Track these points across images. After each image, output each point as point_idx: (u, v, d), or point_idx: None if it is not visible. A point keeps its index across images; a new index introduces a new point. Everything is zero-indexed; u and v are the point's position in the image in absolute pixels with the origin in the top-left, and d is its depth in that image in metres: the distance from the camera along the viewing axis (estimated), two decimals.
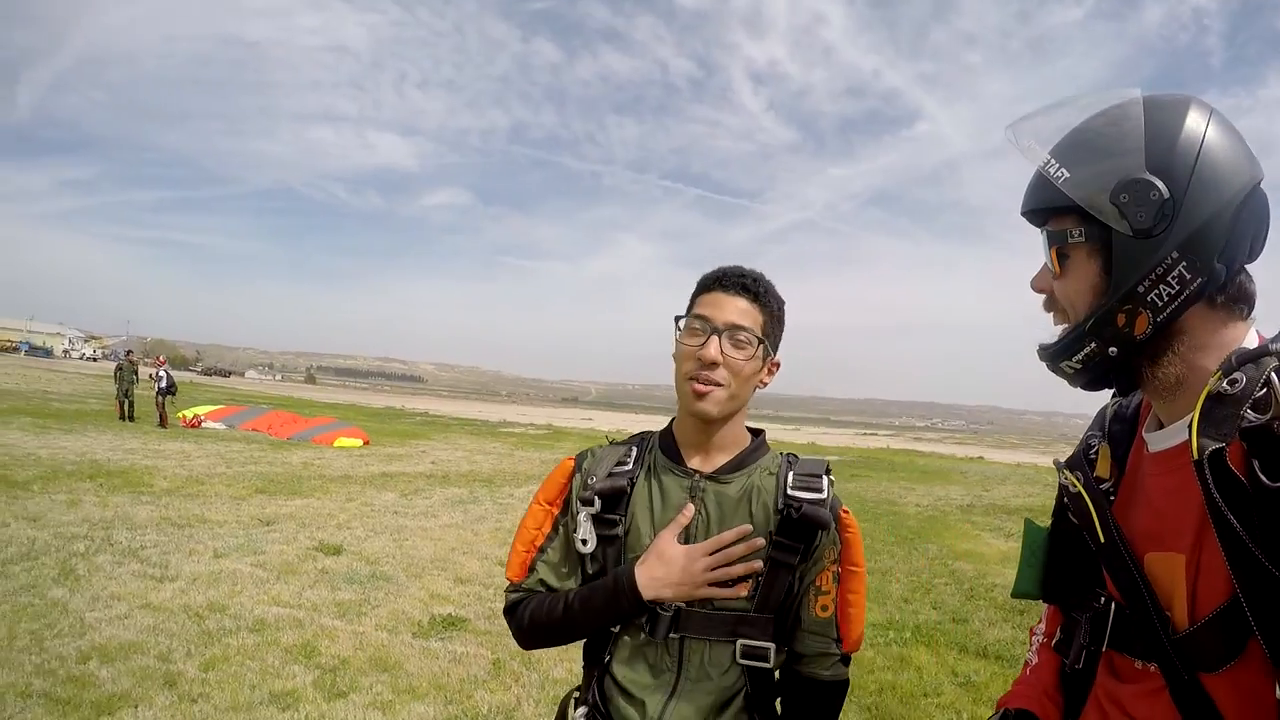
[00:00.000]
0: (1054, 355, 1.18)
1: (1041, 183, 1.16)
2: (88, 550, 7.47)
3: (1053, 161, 1.12)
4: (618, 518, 1.61)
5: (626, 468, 1.65)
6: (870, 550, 10.47)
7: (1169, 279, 1.05)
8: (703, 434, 1.65)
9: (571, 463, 1.71)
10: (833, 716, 1.65)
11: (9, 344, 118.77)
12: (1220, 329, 1.10)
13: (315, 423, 24.94)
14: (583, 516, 1.61)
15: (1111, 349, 1.11)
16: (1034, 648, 1.45)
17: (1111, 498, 1.23)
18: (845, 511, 1.65)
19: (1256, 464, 0.94)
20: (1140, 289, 1.06)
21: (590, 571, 1.65)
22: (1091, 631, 1.23)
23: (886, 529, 12.52)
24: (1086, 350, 1.13)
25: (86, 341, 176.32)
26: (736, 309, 1.60)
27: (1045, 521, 1.40)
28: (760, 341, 1.61)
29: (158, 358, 26.18)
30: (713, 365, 1.56)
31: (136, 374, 24.09)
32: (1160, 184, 1.04)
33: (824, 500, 1.59)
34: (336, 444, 20.96)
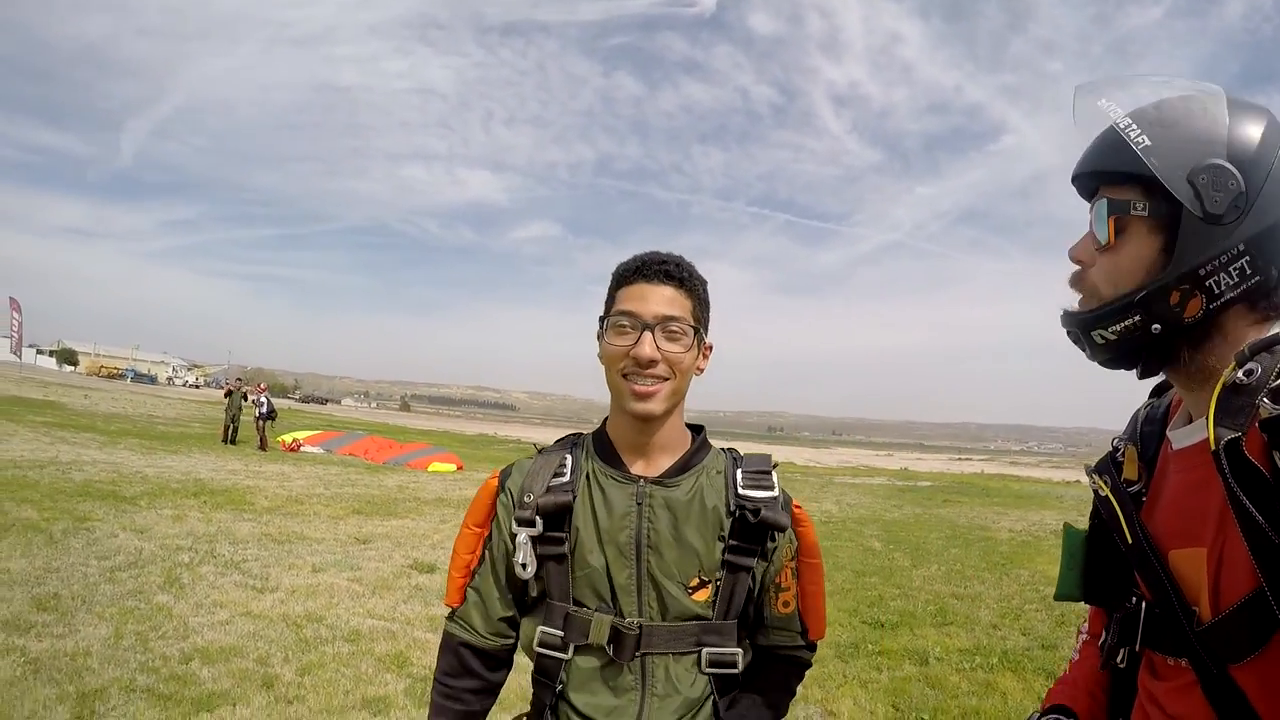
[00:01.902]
0: (1088, 322, 1.14)
1: (1110, 147, 1.12)
2: (192, 561, 7.66)
3: (1133, 126, 1.08)
4: (562, 535, 1.47)
5: (564, 479, 1.50)
6: (960, 576, 10.09)
7: (1231, 269, 1.03)
8: (643, 434, 1.53)
9: (495, 482, 1.57)
10: (789, 691, 1.62)
11: (116, 371, 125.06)
12: (1253, 330, 1.08)
13: (410, 448, 25.44)
14: (522, 538, 1.46)
15: (1155, 325, 1.08)
16: (1078, 645, 1.46)
17: (1143, 499, 1.23)
18: (798, 506, 1.58)
19: (1277, 455, 0.92)
20: (1201, 272, 1.04)
21: (534, 594, 1.53)
22: (1121, 631, 1.22)
23: (978, 555, 12.11)
24: (1128, 322, 1.10)
25: (189, 370, 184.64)
26: (664, 299, 1.48)
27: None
28: (695, 329, 1.50)
29: (259, 385, 27.16)
30: (650, 363, 1.45)
31: (245, 399, 24.97)
32: (1239, 174, 1.03)
33: (776, 499, 1.52)
34: (431, 469, 21.31)
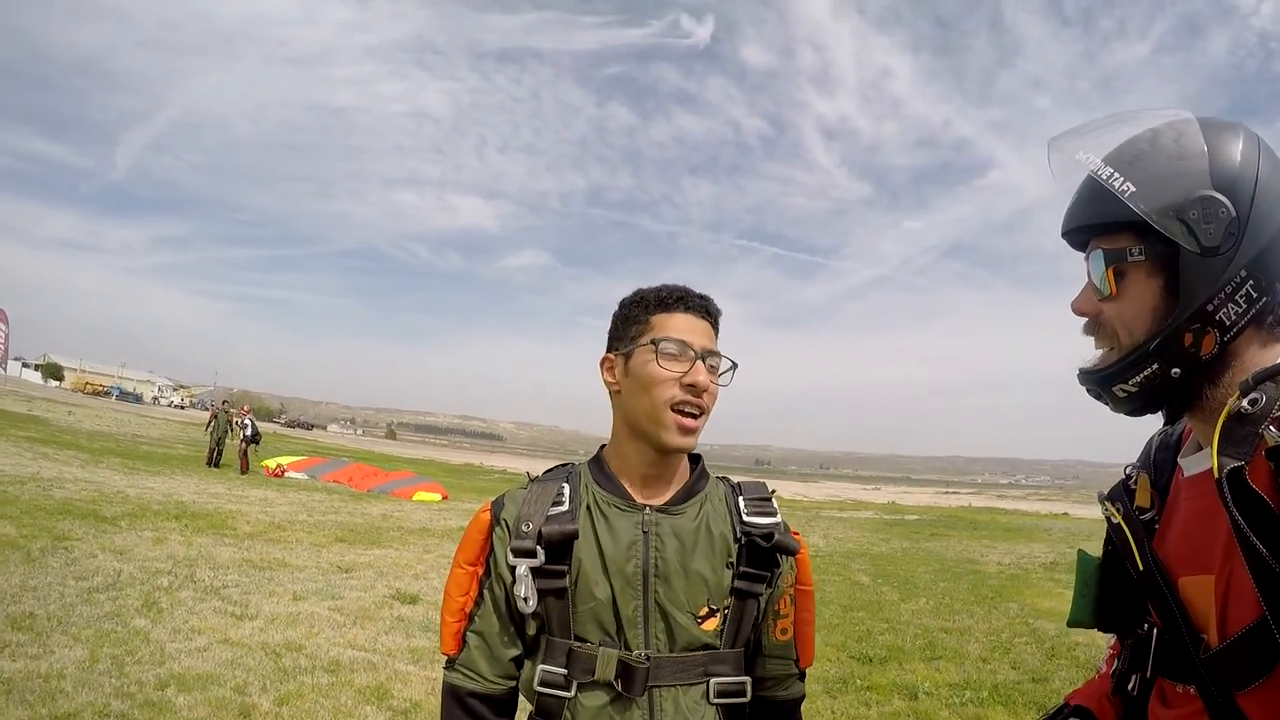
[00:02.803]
0: (1108, 378, 1.13)
1: (1094, 197, 1.12)
2: (171, 585, 7.54)
3: (1115, 175, 1.07)
4: (564, 568, 1.42)
5: (564, 508, 1.45)
6: (949, 610, 10.04)
7: (1238, 298, 1.03)
8: (659, 465, 1.50)
9: (488, 515, 1.50)
10: None
11: (101, 388, 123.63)
12: (1264, 352, 1.08)
13: (395, 476, 25.24)
14: (522, 570, 1.40)
15: (1175, 370, 1.07)
16: (1105, 658, 1.42)
17: (1155, 526, 1.22)
18: (795, 533, 1.56)
19: None
20: (1210, 307, 1.04)
21: (532, 632, 1.47)
22: (1132, 657, 1.22)
23: (966, 588, 12.05)
24: (1148, 372, 1.09)
25: (175, 390, 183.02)
26: (705, 332, 1.50)
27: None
28: (733, 365, 1.52)
29: (242, 407, 27.09)
30: (702, 391, 1.45)
31: (231, 424, 24.82)
32: (1227, 201, 1.02)
33: (780, 524, 1.52)
34: (415, 498, 21.15)
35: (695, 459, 1.60)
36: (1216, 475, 0.97)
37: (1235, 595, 1.02)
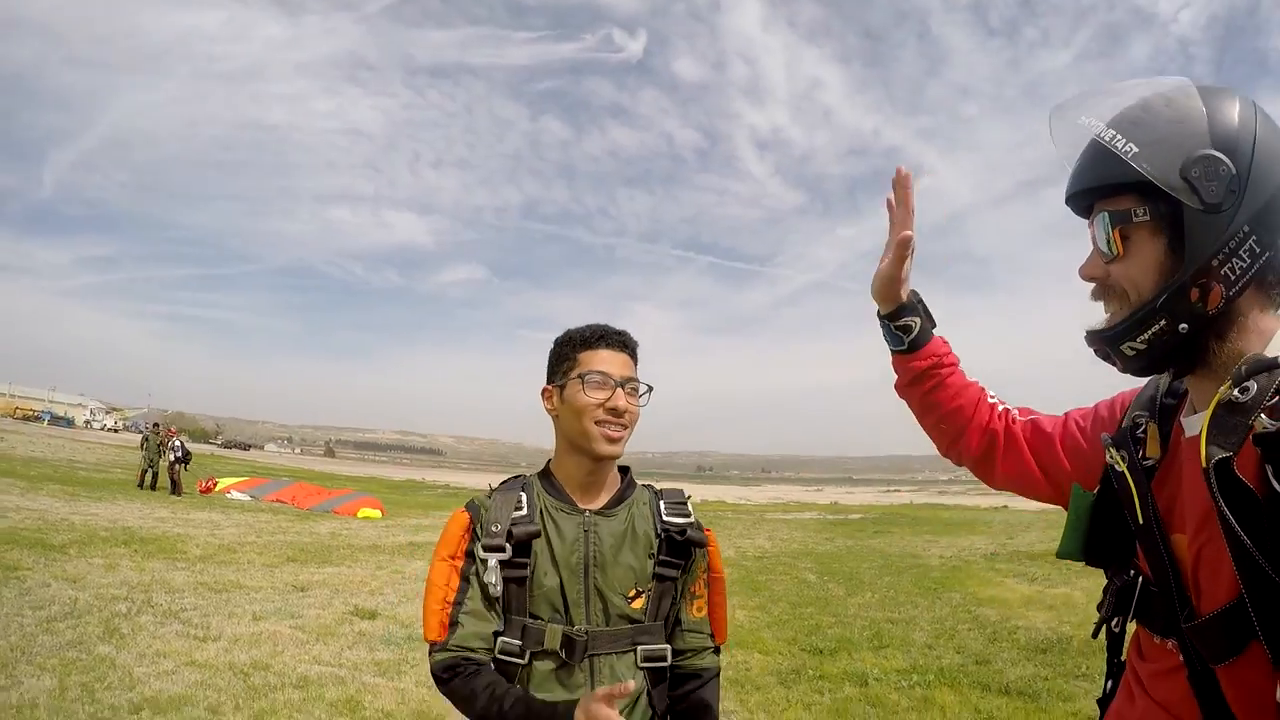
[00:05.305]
0: (1116, 337, 1.17)
1: (1099, 160, 1.16)
2: (129, 611, 7.51)
3: (1117, 135, 1.12)
4: (525, 560, 1.74)
5: (524, 513, 1.77)
6: (894, 602, 10.40)
7: (1241, 252, 1.07)
8: (594, 474, 1.84)
9: (466, 516, 1.80)
10: (716, 698, 1.89)
11: (32, 413, 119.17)
12: (1264, 314, 1.12)
13: (336, 494, 25.09)
14: (492, 563, 1.70)
15: (1182, 325, 1.10)
16: None
17: (1154, 474, 1.23)
18: (707, 530, 1.91)
19: (1270, 470, 0.95)
20: (1215, 263, 1.07)
21: (498, 611, 1.77)
22: (1116, 603, 1.26)
23: (910, 581, 12.42)
24: (1155, 328, 1.12)
25: (108, 413, 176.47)
26: (623, 363, 1.85)
27: None
28: (650, 388, 1.88)
29: (169, 428, 26.84)
30: (623, 413, 1.79)
31: (162, 446, 24.37)
32: (1228, 160, 1.06)
33: (693, 523, 1.87)
34: (360, 514, 21.03)
35: (625, 470, 1.95)
36: (1204, 465, 0.99)
37: (1208, 567, 1.08)
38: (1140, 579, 1.23)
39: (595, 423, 1.77)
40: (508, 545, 1.70)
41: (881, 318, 1.59)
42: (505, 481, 1.89)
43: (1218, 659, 1.05)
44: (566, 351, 1.86)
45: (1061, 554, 1.38)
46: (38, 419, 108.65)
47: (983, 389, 1.59)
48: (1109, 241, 1.16)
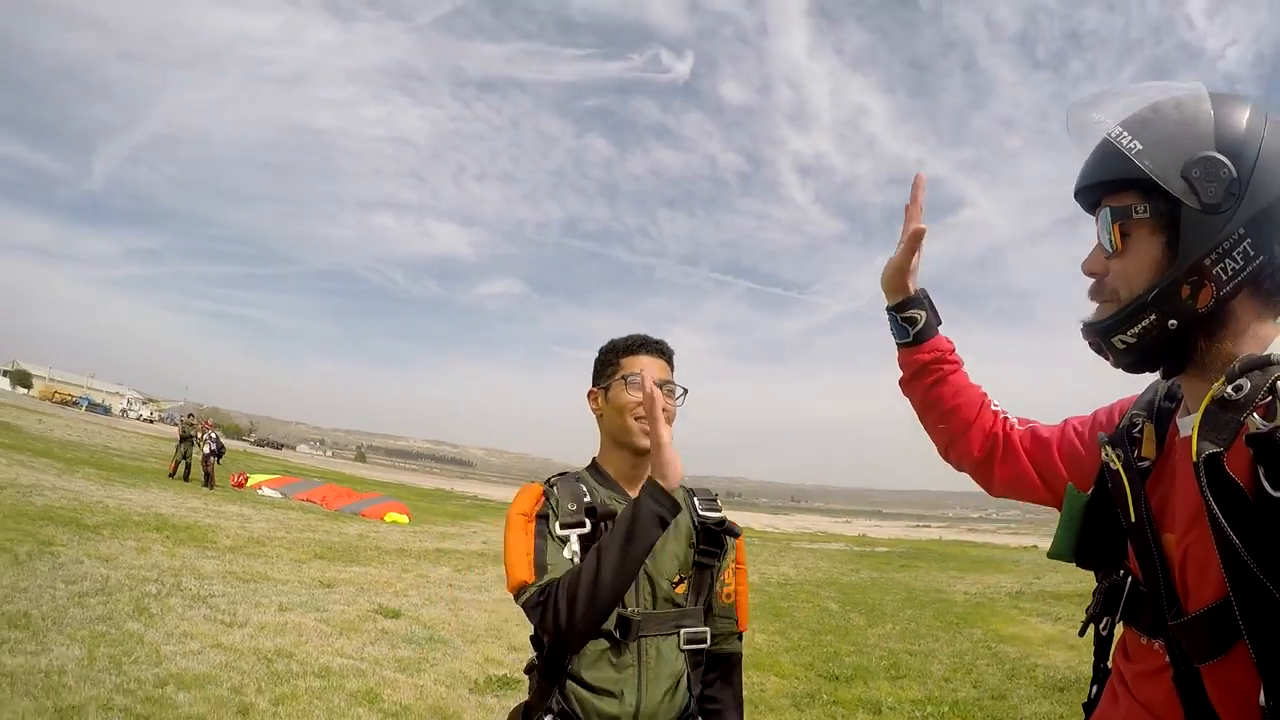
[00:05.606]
0: (1107, 329, 1.19)
1: (1106, 156, 1.19)
2: (159, 592, 7.68)
3: (1124, 134, 1.15)
4: (598, 539, 1.83)
5: (588, 498, 1.91)
6: (914, 634, 10.32)
7: (1234, 254, 1.08)
8: (637, 468, 1.98)
9: (539, 487, 1.93)
10: (740, 681, 2.11)
11: (70, 398, 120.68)
12: (1261, 320, 1.13)
13: (364, 496, 25.36)
14: (573, 538, 1.82)
15: (1172, 321, 1.12)
16: None
17: (1149, 474, 1.25)
18: (734, 523, 2.08)
19: (1262, 471, 0.95)
20: (1207, 262, 1.09)
21: None
22: (1104, 601, 1.28)
23: (932, 615, 12.34)
24: (1145, 323, 1.14)
25: (145, 404, 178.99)
26: (662, 368, 2.04)
27: None
28: (685, 390, 2.05)
29: (205, 422, 27.18)
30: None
31: (195, 438, 24.71)
32: (1229, 163, 1.08)
33: (725, 518, 2.05)
34: (387, 519, 21.20)
35: None
36: (1194, 460, 0.99)
37: (1196, 565, 1.09)
38: (1129, 579, 1.25)
39: (635, 419, 1.93)
40: (588, 521, 1.85)
41: (889, 309, 1.66)
42: (558, 475, 2.02)
43: (1203, 658, 1.06)
44: (610, 357, 2.05)
45: (1053, 555, 1.41)
46: (75, 404, 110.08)
47: (985, 394, 1.64)
48: (1109, 236, 1.19)
